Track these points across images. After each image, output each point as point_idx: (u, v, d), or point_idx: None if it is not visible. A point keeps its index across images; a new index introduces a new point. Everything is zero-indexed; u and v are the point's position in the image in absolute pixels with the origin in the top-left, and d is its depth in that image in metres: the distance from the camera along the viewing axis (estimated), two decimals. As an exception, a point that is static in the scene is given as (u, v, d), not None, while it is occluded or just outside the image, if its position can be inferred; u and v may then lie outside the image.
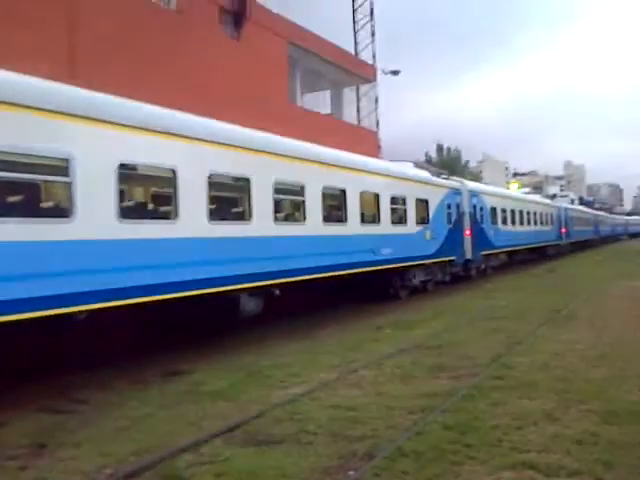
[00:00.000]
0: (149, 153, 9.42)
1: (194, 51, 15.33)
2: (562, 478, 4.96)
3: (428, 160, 55.46)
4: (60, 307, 7.97)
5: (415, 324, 14.00)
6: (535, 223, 35.74)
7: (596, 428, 6.12)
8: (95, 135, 8.57)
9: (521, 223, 32.41)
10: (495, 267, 28.59)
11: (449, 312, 15.88)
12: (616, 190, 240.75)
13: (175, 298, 9.71)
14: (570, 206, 54.10)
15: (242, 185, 11.46)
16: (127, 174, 9.21)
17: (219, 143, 10.89)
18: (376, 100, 25.17)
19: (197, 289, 10.17)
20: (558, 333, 11.77)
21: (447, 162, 52.90)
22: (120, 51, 14.40)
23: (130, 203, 9.50)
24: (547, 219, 39.33)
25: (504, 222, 28.97)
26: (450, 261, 21.89)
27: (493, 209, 27.35)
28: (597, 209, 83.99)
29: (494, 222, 27.31)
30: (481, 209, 25.43)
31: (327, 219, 14.13)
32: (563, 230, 43.63)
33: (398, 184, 18.13)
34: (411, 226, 18.67)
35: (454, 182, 23.87)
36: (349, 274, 14.90)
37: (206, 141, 10.60)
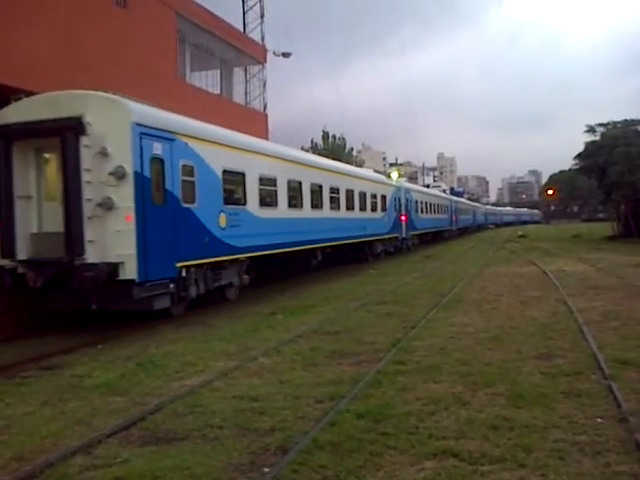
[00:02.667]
0: (311, 177, 19.78)
1: (73, 13, 13.83)
2: (486, 465, 4.84)
3: (314, 147, 55.46)
4: (281, 247, 17.18)
5: (307, 309, 13.80)
6: (439, 212, 47.69)
7: (507, 412, 6.12)
8: (290, 167, 18.15)
9: (431, 212, 43.94)
10: (415, 244, 38.23)
11: (338, 297, 15.85)
12: (482, 182, 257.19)
13: (315, 248, 20.33)
14: (458, 199, 66.20)
15: (336, 191, 22.40)
16: (291, 187, 18.16)
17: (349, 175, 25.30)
18: (264, 83, 24.63)
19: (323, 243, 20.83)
20: (449, 316, 12.00)
21: (332, 149, 53.14)
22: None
23: (291, 201, 18.12)
24: (445, 209, 51.51)
25: (422, 211, 40.06)
26: (395, 237, 32.07)
27: (416, 202, 38.04)
28: (469, 200, 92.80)
29: (416, 211, 37.89)
30: (410, 201, 35.70)
31: (348, 208, 23.79)
32: (454, 218, 55.76)
33: (375, 186, 28.77)
34: (379, 213, 28.84)
35: (396, 182, 34.16)
36: (354, 242, 24.49)
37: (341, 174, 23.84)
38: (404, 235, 33.58)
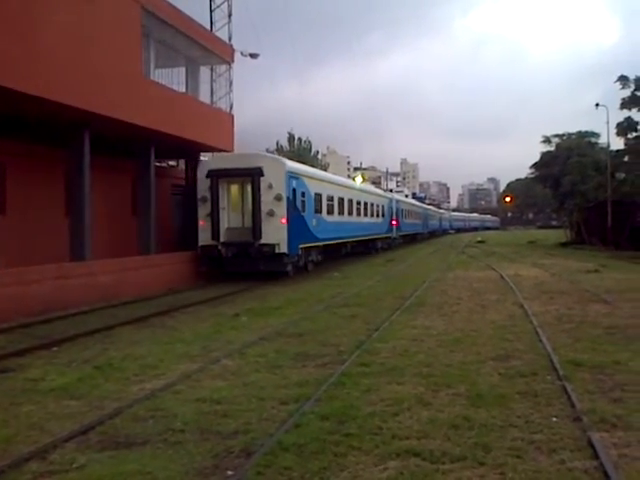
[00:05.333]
0: (347, 194, 30.47)
1: (30, 3, 13.38)
2: (447, 464, 4.90)
3: (279, 149, 55.23)
4: (337, 239, 27.64)
5: (271, 311, 13.77)
6: (415, 218, 57.63)
7: (467, 412, 6.22)
8: (338, 188, 28.90)
9: (412, 218, 54.52)
10: (402, 243, 48.71)
11: (303, 300, 15.86)
12: (443, 188, 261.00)
13: (352, 241, 31.04)
14: (428, 207, 77.97)
15: (358, 203, 32.57)
16: (339, 201, 28.31)
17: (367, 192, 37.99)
18: (231, 83, 24.38)
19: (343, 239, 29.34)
20: (411, 319, 12.13)
21: (298, 152, 53.03)
22: None
23: (339, 210, 28.22)
24: (419, 216, 61.32)
25: (405, 217, 50.59)
26: (389, 237, 42.50)
27: (402, 210, 48.77)
28: (436, 205, 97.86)
29: (403, 217, 48.69)
30: (398, 210, 46.11)
31: (364, 215, 34.07)
32: (426, 223, 65.69)
33: (378, 198, 39.75)
34: (379, 218, 39.03)
35: (389, 195, 46.79)
36: (365, 239, 34.36)
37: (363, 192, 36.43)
38: (394, 235, 44.41)
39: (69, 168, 17.22)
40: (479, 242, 54.57)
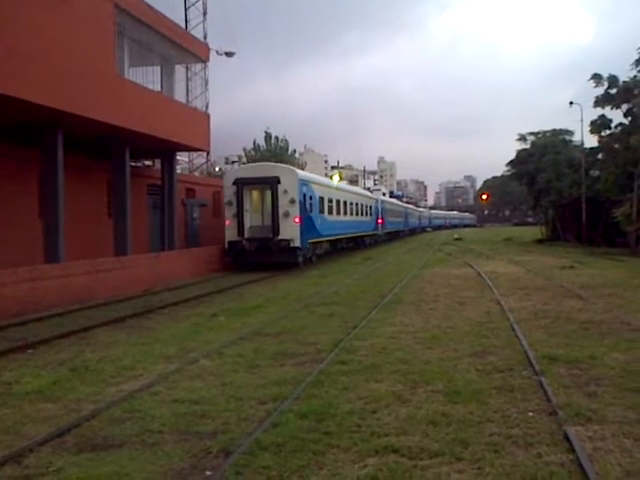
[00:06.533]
0: (343, 197, 35.37)
1: (2, 3, 13.14)
2: (426, 460, 4.94)
3: (256, 148, 54.90)
4: (336, 235, 32.52)
5: (249, 311, 13.72)
6: (397, 216, 62.40)
7: (445, 408, 6.26)
8: (336, 192, 33.82)
9: (394, 217, 59.21)
10: (385, 239, 52.52)
11: (281, 298, 15.83)
12: (421, 186, 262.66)
13: (346, 237, 35.99)
14: (408, 206, 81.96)
15: (351, 204, 37.19)
16: (336, 202, 32.75)
17: (353, 193, 41.04)
18: (206, 81, 24.21)
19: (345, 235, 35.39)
20: (389, 317, 12.17)
21: (275, 151, 52.73)
22: None
23: (337, 210, 32.92)
24: (401, 214, 65.94)
25: (390, 215, 55.43)
26: (375, 234, 46.72)
27: (386, 209, 53.43)
28: (414, 204, 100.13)
29: (388, 216, 53.44)
30: (383, 209, 50.63)
31: (356, 214, 38.67)
32: (406, 221, 70.29)
33: (367, 200, 43.90)
34: (368, 217, 43.25)
35: (375, 196, 51.06)
36: (355, 236, 38.73)
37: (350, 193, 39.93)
38: (380, 233, 48.64)
39: (42, 168, 16.96)
40: (456, 239, 55.02)
